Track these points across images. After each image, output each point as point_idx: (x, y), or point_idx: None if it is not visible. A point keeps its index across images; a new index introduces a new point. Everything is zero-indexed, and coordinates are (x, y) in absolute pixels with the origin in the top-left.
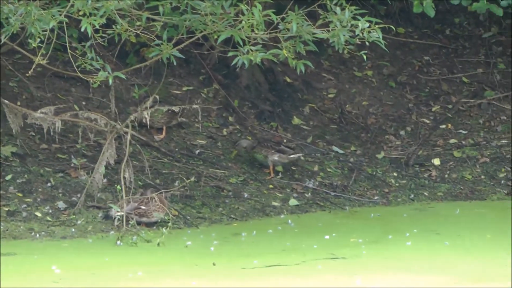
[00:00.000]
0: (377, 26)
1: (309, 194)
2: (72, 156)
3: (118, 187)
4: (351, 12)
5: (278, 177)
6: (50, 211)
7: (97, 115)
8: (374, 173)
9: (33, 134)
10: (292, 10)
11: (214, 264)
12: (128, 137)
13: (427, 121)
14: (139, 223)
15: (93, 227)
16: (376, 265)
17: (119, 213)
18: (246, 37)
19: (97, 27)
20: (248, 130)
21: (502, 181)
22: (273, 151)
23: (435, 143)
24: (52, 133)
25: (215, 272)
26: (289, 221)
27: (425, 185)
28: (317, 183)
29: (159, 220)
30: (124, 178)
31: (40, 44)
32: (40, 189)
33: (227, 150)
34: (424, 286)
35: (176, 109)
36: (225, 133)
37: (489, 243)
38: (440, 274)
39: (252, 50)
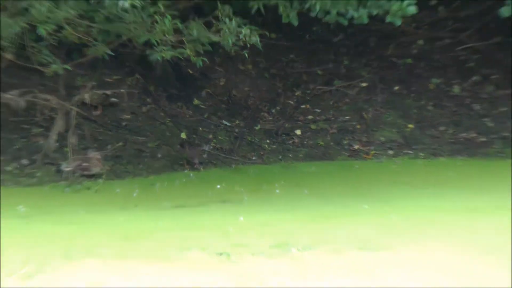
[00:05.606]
0: (255, 32)
1: (205, 155)
2: (33, 126)
3: (66, 149)
4: (237, 22)
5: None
6: (17, 166)
7: (51, 97)
8: (253, 140)
9: (4, 110)
10: (193, 20)
11: (136, 205)
12: (74, 112)
13: (292, 102)
14: (81, 175)
15: (48, 178)
16: (254, 207)
17: (67, 168)
18: (160, 39)
19: (50, 31)
20: (161, 108)
21: (346, 147)
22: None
23: (297, 118)
24: (18, 109)
25: (137, 211)
26: (191, 175)
27: (290, 149)
28: (211, 147)
29: (96, 173)
30: (71, 143)
31: (9, 44)
32: (9, 151)
33: (146, 123)
34: (286, 220)
35: (108, 92)
36: (144, 110)
37: (336, 190)
38: (300, 214)
39: (164, 49)
